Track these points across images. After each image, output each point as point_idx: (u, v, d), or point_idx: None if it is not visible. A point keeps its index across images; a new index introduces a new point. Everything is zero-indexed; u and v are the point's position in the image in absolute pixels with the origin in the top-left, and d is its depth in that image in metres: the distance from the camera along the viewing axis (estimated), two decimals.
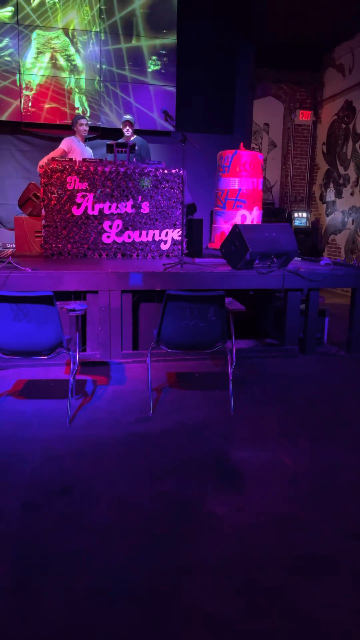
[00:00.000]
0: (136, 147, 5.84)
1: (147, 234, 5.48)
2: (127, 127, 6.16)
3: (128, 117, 6.27)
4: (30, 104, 7.32)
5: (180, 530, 2.22)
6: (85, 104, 7.52)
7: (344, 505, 2.43)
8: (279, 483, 2.62)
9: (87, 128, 6.14)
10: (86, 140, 6.35)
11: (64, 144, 6.04)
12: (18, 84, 7.23)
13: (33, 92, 7.31)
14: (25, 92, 7.27)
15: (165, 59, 7.61)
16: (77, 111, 7.44)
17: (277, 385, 4.08)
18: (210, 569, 1.98)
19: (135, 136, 6.35)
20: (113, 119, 7.60)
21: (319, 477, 2.68)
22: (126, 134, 6.19)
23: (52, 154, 5.76)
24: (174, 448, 2.97)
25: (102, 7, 7.29)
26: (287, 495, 2.51)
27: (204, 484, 2.59)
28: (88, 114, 7.42)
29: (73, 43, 7.36)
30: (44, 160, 5.51)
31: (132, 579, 1.92)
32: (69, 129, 6.42)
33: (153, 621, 1.73)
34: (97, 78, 7.48)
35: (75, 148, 6.05)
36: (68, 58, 7.39)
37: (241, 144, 6.15)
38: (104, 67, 7.48)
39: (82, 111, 7.46)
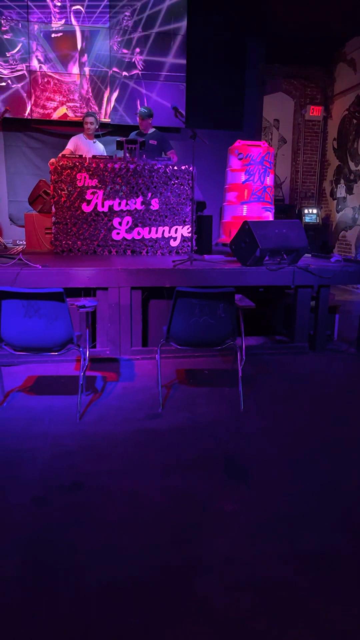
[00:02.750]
0: (154, 142, 5.79)
1: (156, 230, 5.48)
2: (142, 121, 6.06)
3: (142, 110, 6.11)
4: (39, 101, 7.34)
5: (189, 527, 2.22)
6: (95, 101, 7.52)
7: (354, 504, 2.42)
8: (288, 480, 2.61)
9: (94, 126, 6.11)
10: (96, 137, 6.34)
11: (71, 143, 6.07)
12: (28, 81, 7.25)
13: (43, 89, 7.33)
14: (34, 89, 7.29)
15: (175, 54, 7.59)
16: (87, 108, 7.44)
17: (286, 383, 4.07)
18: (219, 566, 1.99)
19: (153, 129, 6.22)
20: (123, 115, 7.60)
21: (329, 475, 2.67)
22: (141, 127, 6.11)
23: (62, 153, 5.78)
24: (184, 444, 2.97)
25: (112, 2, 7.29)
26: (296, 492, 2.51)
27: (214, 480, 2.60)
28: (97, 111, 7.42)
29: (83, 40, 7.36)
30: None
31: (142, 574, 1.93)
32: (78, 126, 6.43)
33: (162, 617, 1.74)
34: (107, 74, 7.48)
35: (82, 146, 6.06)
36: (78, 55, 7.39)
37: (264, 142, 6.13)
38: (114, 63, 7.47)
39: (91, 108, 7.46)
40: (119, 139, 5.66)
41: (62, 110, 7.43)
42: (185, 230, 5.54)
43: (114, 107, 7.57)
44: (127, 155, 5.44)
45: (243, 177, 5.84)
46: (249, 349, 4.67)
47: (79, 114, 7.38)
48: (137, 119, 6.16)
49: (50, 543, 2.10)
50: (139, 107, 7.49)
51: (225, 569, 1.97)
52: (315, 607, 1.79)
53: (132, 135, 6.16)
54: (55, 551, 2.05)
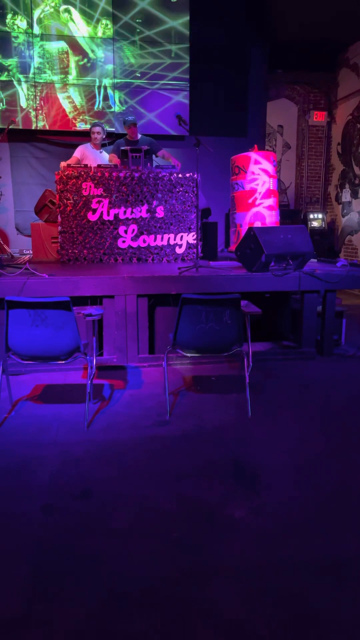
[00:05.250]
0: (146, 148, 5.80)
1: (162, 238, 5.50)
2: (131, 128, 6.01)
3: (131, 118, 6.06)
4: (45, 112, 7.41)
5: (199, 534, 2.22)
6: (100, 110, 7.58)
7: None
8: (297, 486, 2.60)
9: (101, 136, 6.14)
10: (102, 146, 6.38)
11: (77, 152, 6.11)
12: (32, 92, 7.32)
13: (47, 100, 7.40)
14: (40, 100, 7.36)
15: (178, 62, 7.64)
16: (93, 118, 7.50)
17: (294, 388, 4.06)
18: (229, 573, 1.98)
19: (140, 135, 6.20)
20: None
21: (338, 480, 2.66)
22: (132, 134, 6.05)
23: (68, 162, 5.83)
24: (192, 451, 2.97)
25: (115, 11, 7.36)
26: (305, 498, 2.49)
27: (222, 487, 2.59)
28: (102, 120, 7.48)
29: (86, 50, 7.43)
30: (63, 164, 5.56)
31: (152, 582, 1.93)
32: (83, 136, 6.48)
33: (172, 625, 1.73)
34: (111, 84, 7.54)
35: (88, 155, 6.10)
36: (81, 65, 7.46)
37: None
38: (117, 72, 7.53)
39: (96, 118, 7.52)
40: (123, 147, 5.70)
41: (67, 120, 7.49)
42: (190, 237, 5.55)
43: (117, 115, 7.62)
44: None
45: (274, 185, 6.02)
46: (255, 354, 4.67)
47: (84, 124, 7.44)
48: (126, 127, 6.05)
49: (59, 550, 2.10)
50: (145, 114, 7.54)
51: (235, 575, 1.96)
52: (327, 614, 1.78)
53: (120, 143, 6.05)
54: (64, 559, 2.06)
